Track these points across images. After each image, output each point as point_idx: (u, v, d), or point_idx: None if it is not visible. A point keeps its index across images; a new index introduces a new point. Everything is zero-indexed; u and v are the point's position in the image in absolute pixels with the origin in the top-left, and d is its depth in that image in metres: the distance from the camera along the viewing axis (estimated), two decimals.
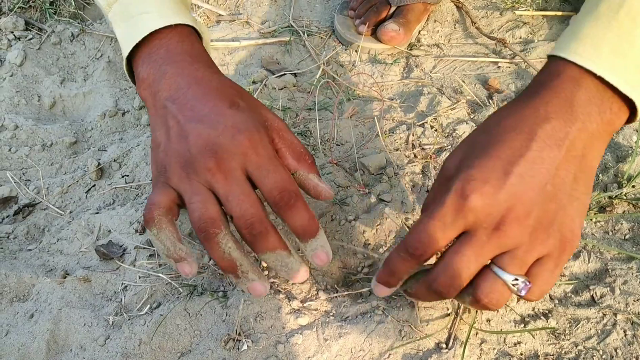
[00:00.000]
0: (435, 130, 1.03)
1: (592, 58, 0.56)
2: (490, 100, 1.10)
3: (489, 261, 0.60)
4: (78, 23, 1.30)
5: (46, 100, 1.20)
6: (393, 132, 1.03)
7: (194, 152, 0.63)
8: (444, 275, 0.60)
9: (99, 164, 1.05)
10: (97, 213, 0.96)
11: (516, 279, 0.59)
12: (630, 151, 0.95)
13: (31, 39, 1.28)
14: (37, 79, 1.23)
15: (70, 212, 1.00)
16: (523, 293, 0.59)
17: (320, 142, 1.03)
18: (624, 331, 0.75)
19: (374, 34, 1.24)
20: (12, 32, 1.28)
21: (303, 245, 0.68)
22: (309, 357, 0.73)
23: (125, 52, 0.71)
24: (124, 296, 0.83)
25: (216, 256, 0.64)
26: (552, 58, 0.60)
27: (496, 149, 0.58)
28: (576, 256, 0.84)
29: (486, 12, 1.32)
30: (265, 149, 0.65)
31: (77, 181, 1.04)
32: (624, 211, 0.90)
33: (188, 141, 0.64)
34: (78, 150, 1.12)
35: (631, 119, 0.60)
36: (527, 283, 0.59)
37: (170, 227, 0.65)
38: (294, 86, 1.17)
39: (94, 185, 1.04)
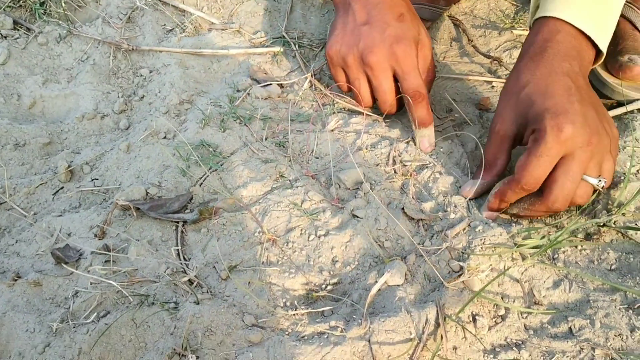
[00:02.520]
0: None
1: (582, 18, 0.84)
2: (479, 120, 1.06)
3: None
4: (67, 25, 1.28)
5: (26, 100, 1.17)
6: (375, 147, 0.99)
7: (361, 48, 0.95)
8: (563, 195, 0.78)
9: (69, 165, 1.01)
10: (60, 216, 0.93)
11: (599, 180, 0.80)
12: (622, 177, 0.90)
13: (18, 38, 1.26)
14: (19, 79, 1.20)
15: (35, 214, 0.96)
16: (603, 188, 0.81)
17: (299, 154, 0.99)
18: None
19: None
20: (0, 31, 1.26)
21: (417, 131, 0.97)
22: None
23: None
24: (73, 302, 0.78)
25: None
26: (546, 19, 0.85)
27: (552, 90, 0.80)
28: (556, 285, 0.78)
29: (484, 31, 1.28)
30: (411, 59, 0.94)
31: (46, 182, 1.01)
32: (612, 240, 0.84)
33: (360, 38, 0.96)
34: (51, 152, 1.08)
35: (596, 61, 0.90)
36: (605, 180, 0.81)
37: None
38: (279, 97, 1.13)
39: (62, 188, 1.00)
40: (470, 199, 0.89)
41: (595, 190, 0.81)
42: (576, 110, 0.77)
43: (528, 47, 0.87)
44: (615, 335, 0.72)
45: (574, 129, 0.76)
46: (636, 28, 1.08)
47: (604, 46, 0.87)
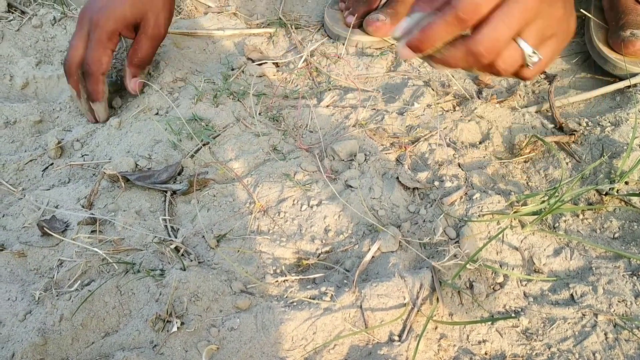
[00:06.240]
0: (417, 117, 0.96)
1: None
2: (479, 95, 1.03)
3: None
4: (61, 7, 1.26)
5: (18, 81, 1.15)
6: (370, 121, 0.96)
7: None
8: (490, 38, 0.59)
9: (60, 142, 0.99)
10: (48, 190, 0.90)
11: (534, 52, 0.60)
12: (625, 148, 0.87)
13: (11, 20, 1.24)
14: (12, 60, 1.18)
15: (23, 189, 0.94)
16: (532, 66, 0.61)
17: (293, 128, 0.97)
18: (605, 334, 0.66)
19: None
20: None
21: (92, 105, 1.02)
22: (243, 343, 0.65)
23: None
24: (57, 272, 0.76)
25: None
26: None
27: None
28: (557, 252, 0.75)
29: None
30: (101, 31, 0.97)
31: (35, 159, 0.99)
32: (615, 209, 0.81)
33: None
34: (42, 130, 1.06)
35: None
36: (540, 58, 0.60)
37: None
38: (274, 75, 1.11)
39: (52, 164, 0.98)
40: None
41: (521, 67, 0.62)
42: None
43: None
44: (619, 301, 0.69)
45: None
46: (638, 2, 1.06)
47: None
